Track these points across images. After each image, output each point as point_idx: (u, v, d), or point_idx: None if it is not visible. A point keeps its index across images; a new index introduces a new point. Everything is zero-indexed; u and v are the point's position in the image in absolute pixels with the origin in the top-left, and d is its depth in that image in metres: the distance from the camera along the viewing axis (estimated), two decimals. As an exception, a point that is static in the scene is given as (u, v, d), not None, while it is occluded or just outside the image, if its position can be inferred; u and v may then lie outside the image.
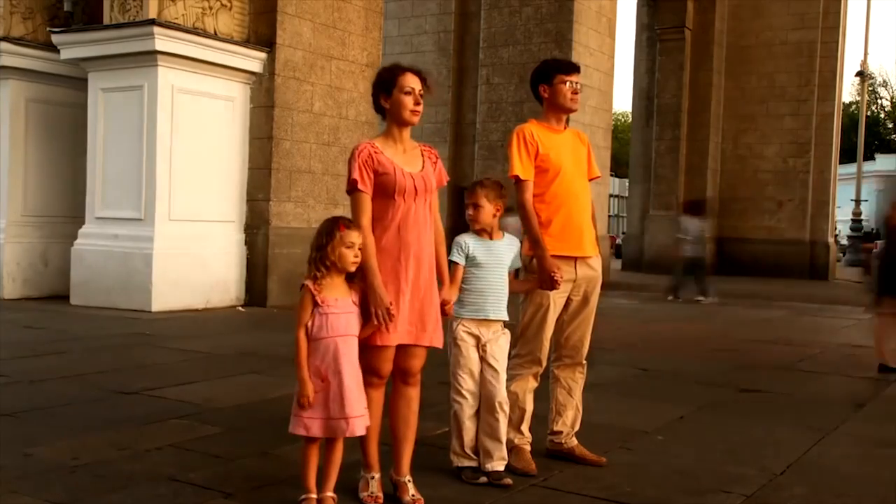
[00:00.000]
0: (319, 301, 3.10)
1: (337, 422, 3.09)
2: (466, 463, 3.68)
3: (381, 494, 3.35)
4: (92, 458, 3.86)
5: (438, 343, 3.44)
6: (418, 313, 3.34)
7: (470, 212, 3.71)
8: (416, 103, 3.37)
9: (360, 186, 3.28)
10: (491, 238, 3.75)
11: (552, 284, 3.78)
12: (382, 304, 3.19)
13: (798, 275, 20.50)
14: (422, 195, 3.35)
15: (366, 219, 3.28)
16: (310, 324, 3.11)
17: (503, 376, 3.75)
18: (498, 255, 3.72)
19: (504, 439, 3.72)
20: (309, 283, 3.12)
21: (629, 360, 7.18)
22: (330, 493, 3.21)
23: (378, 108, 3.46)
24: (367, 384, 3.31)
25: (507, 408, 3.74)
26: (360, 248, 3.15)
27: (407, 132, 3.44)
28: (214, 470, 3.73)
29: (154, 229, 9.75)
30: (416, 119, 3.40)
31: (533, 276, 3.86)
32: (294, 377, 3.12)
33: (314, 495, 3.17)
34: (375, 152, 3.32)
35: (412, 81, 3.37)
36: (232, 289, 10.56)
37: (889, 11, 76.97)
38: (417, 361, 3.42)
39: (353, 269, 3.15)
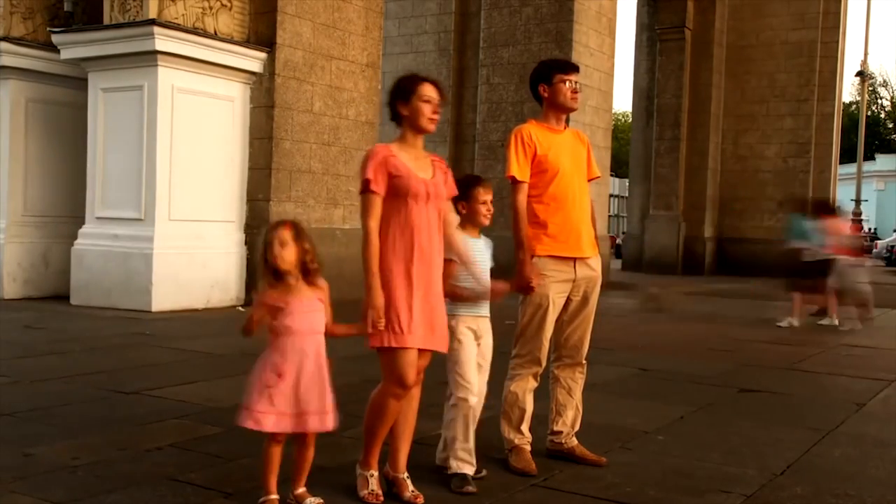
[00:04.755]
0: (282, 304, 3.10)
1: (289, 417, 3.09)
2: (466, 469, 3.59)
3: (381, 492, 3.36)
4: (92, 458, 3.86)
5: (445, 347, 3.47)
6: (430, 317, 3.35)
7: (485, 210, 3.70)
8: (434, 112, 3.43)
9: (372, 187, 3.30)
10: (475, 236, 3.76)
11: (528, 291, 3.81)
12: (375, 307, 3.20)
13: (798, 275, 20.46)
14: (433, 201, 3.39)
15: (373, 220, 3.30)
16: (274, 322, 3.12)
17: (486, 375, 3.75)
18: (481, 253, 3.74)
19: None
20: (259, 294, 3.14)
21: (629, 360, 7.17)
22: (302, 489, 3.22)
23: (394, 116, 3.49)
24: (391, 395, 3.32)
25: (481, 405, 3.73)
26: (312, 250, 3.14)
27: (421, 140, 3.49)
28: (214, 470, 3.73)
29: (154, 229, 9.76)
30: (432, 127, 3.46)
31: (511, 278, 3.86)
32: (244, 380, 3.15)
33: (275, 496, 3.17)
34: (391, 156, 3.35)
35: (431, 91, 3.44)
36: (232, 289, 10.56)
37: (889, 11, 77.02)
38: (424, 363, 3.45)
39: (282, 266, 3.09)
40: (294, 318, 3.10)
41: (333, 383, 3.19)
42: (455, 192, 3.56)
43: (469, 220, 3.73)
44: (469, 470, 3.60)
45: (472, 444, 3.62)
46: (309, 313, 3.14)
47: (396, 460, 3.45)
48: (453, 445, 3.62)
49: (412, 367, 3.30)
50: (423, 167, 3.44)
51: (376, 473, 3.41)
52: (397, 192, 3.32)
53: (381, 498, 3.34)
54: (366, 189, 3.32)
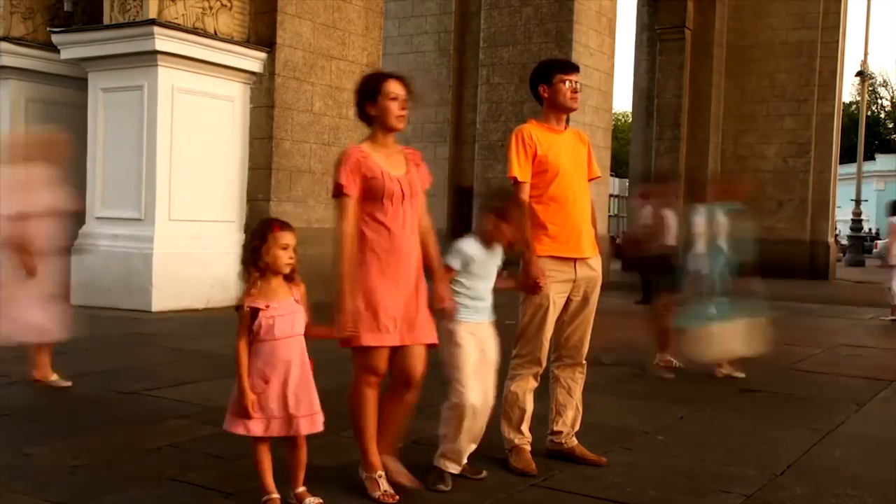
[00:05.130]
0: (262, 307, 3.06)
1: (280, 421, 3.09)
2: (450, 467, 3.59)
3: (394, 491, 3.36)
4: (92, 458, 3.87)
5: (432, 339, 3.45)
6: (408, 314, 3.36)
7: (505, 230, 3.63)
8: (402, 109, 3.41)
9: (346, 191, 3.31)
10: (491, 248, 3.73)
11: (534, 290, 3.80)
12: (346, 312, 3.21)
13: (798, 275, 20.46)
14: (408, 199, 3.39)
15: (348, 224, 3.31)
16: (254, 326, 3.07)
17: (493, 380, 3.74)
18: (493, 264, 3.70)
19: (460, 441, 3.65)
20: (244, 303, 3.07)
21: (629, 360, 7.17)
22: (302, 488, 3.22)
23: (363, 116, 3.47)
24: (364, 383, 3.35)
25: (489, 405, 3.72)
26: (295, 249, 3.11)
27: (392, 137, 3.48)
28: (214, 470, 3.73)
29: (154, 229, 9.76)
30: (402, 125, 3.44)
31: (517, 276, 3.85)
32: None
33: (276, 495, 3.17)
34: (363, 157, 3.35)
35: (397, 88, 3.41)
36: (232, 289, 10.49)
37: (889, 11, 77.00)
38: (418, 363, 3.42)
39: (286, 270, 3.11)
40: (276, 321, 3.07)
41: (318, 384, 3.18)
42: (429, 183, 3.53)
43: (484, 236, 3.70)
44: (453, 469, 3.60)
45: (462, 445, 3.59)
46: (290, 315, 3.11)
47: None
48: (443, 443, 3.63)
49: (385, 361, 3.35)
50: (396, 165, 3.43)
51: (384, 473, 3.41)
52: (373, 193, 3.32)
53: (397, 497, 3.33)
54: (339, 193, 3.31)
